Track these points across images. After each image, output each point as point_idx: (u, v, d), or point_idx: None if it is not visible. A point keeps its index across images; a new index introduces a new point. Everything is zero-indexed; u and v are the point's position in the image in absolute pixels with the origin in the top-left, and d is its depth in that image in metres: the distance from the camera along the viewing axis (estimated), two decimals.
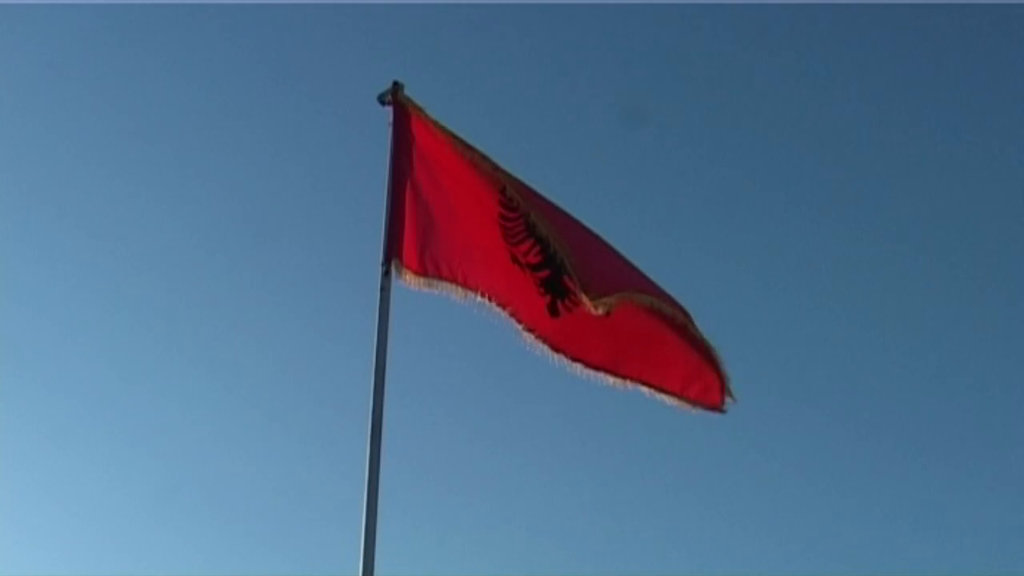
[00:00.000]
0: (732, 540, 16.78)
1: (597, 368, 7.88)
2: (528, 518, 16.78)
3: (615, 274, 7.84)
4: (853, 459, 17.61)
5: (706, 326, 8.00)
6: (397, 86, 7.92)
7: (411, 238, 7.74)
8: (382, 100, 7.94)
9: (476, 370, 16.30)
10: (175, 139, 17.98)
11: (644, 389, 7.95)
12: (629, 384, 7.93)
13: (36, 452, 17.81)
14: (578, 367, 7.86)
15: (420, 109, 7.93)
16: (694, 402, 7.96)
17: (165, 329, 17.72)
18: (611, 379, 7.92)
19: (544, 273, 7.73)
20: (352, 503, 7.23)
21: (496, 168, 7.86)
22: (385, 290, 7.57)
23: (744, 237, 18.59)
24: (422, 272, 7.72)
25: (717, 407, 7.98)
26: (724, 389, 7.95)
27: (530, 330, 7.77)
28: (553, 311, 7.74)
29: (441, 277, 7.75)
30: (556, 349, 7.81)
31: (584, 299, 7.56)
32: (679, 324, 7.88)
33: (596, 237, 7.99)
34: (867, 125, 18.63)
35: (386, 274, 7.59)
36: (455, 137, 7.91)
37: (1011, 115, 18.48)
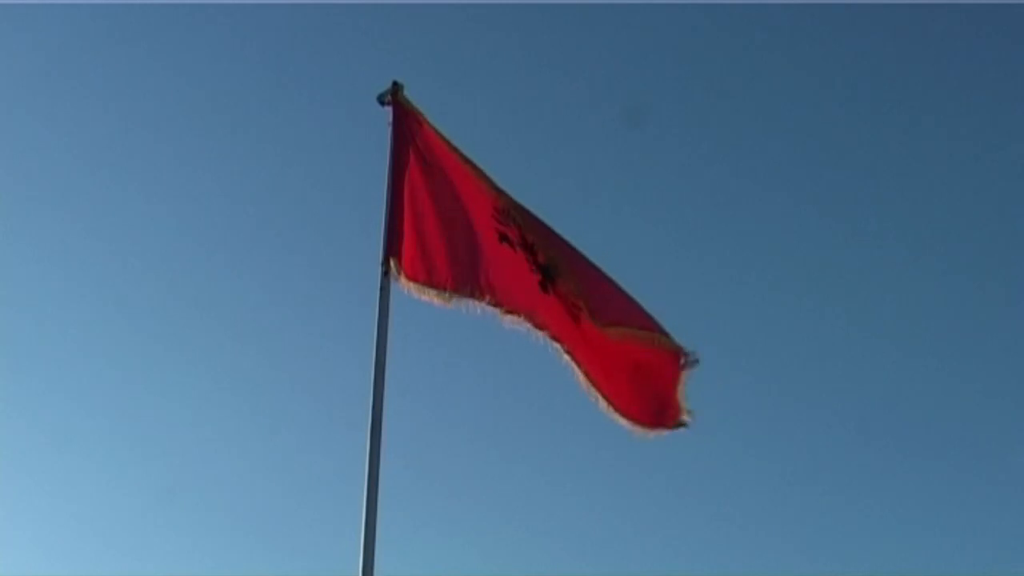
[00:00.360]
0: (731, 540, 16.81)
1: (572, 357, 7.81)
2: (528, 518, 16.81)
3: (623, 311, 7.82)
4: (852, 459, 17.64)
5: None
6: (397, 86, 7.93)
7: (410, 242, 7.73)
8: (382, 100, 7.94)
9: (476, 370, 16.33)
10: (175, 139, 18.02)
11: (602, 403, 7.87)
12: (594, 393, 7.85)
13: (36, 452, 17.84)
14: (556, 346, 7.79)
15: (419, 113, 7.95)
16: (651, 427, 7.88)
17: (165, 329, 17.75)
18: (580, 377, 7.84)
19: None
20: (352, 502, 7.24)
21: (496, 187, 7.88)
22: (385, 289, 7.57)
23: (744, 237, 18.62)
24: (415, 278, 7.68)
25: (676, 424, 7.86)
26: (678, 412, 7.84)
27: (513, 312, 7.72)
28: (544, 288, 7.73)
29: (434, 284, 7.70)
30: (540, 327, 7.76)
31: (586, 314, 7.59)
32: (672, 354, 7.81)
33: (596, 268, 7.97)
34: (867, 125, 18.66)
35: (386, 274, 7.59)
36: (452, 145, 7.93)
37: (1011, 115, 18.51)
